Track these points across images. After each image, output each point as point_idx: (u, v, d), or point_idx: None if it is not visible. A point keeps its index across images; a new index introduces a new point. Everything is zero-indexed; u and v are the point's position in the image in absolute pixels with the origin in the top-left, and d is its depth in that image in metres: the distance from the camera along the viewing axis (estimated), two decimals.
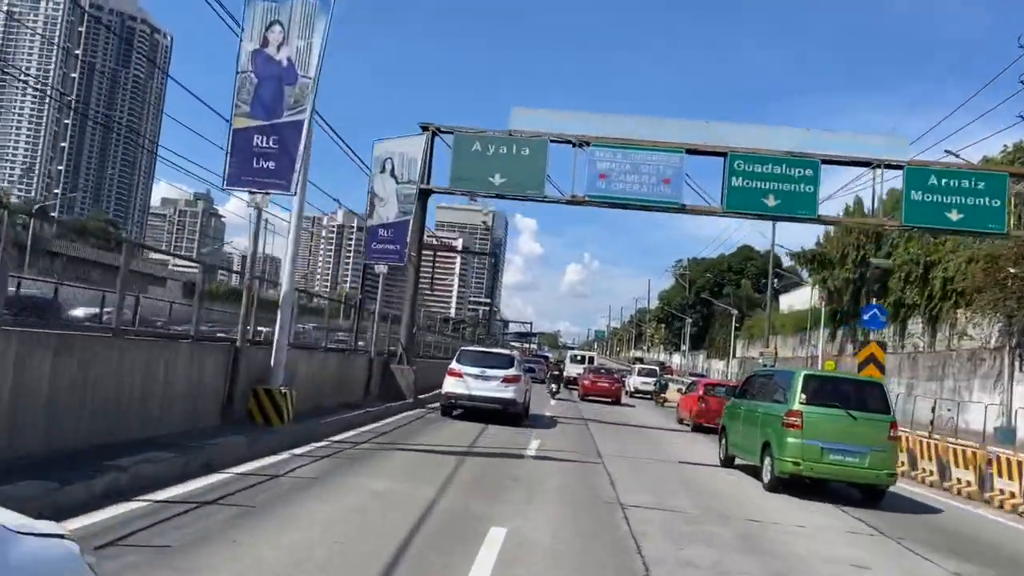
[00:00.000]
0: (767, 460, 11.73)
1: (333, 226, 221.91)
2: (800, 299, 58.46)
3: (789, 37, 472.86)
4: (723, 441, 14.57)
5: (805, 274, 47.82)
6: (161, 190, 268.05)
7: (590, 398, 32.93)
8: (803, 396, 11.38)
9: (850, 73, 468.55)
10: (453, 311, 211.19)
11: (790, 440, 11.14)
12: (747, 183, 19.96)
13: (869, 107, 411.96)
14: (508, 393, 17.64)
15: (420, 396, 21.07)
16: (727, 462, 14.20)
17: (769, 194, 19.91)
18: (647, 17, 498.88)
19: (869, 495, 11.46)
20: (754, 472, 12.72)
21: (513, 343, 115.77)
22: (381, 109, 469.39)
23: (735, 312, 63.77)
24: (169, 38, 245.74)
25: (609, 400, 32.70)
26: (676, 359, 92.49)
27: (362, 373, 18.20)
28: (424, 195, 20.63)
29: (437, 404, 21.56)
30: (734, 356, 66.67)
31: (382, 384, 19.59)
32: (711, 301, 73.35)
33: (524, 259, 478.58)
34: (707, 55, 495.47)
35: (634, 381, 43.35)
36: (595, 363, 48.18)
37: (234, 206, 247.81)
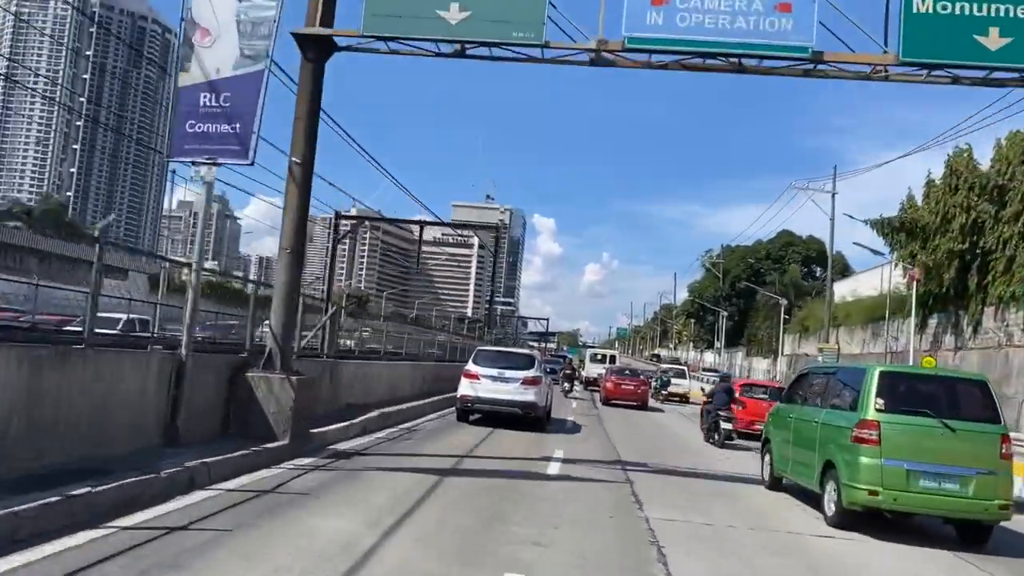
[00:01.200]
0: (830, 486, 8.88)
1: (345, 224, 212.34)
2: (870, 283, 48.07)
3: None
4: (767, 457, 11.45)
5: (886, 249, 37.53)
6: (178, 194, 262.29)
7: (613, 402, 28.74)
8: (879, 401, 8.53)
9: None
10: (470, 310, 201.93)
11: (863, 460, 8.38)
12: (944, 6, 9.92)
13: None
14: (528, 396, 15.91)
15: (323, 429, 11.22)
16: (773, 484, 11.03)
17: (989, 26, 9.83)
18: None
19: (970, 534, 8.64)
20: (804, 495, 9.94)
21: (531, 343, 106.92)
22: None
23: (784, 302, 53.37)
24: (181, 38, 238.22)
25: (634, 404, 28.57)
26: (709, 357, 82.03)
27: (147, 391, 8.28)
28: (319, 50, 10.68)
29: (352, 446, 11.64)
30: (782, 353, 56.28)
31: (229, 411, 9.76)
32: (754, 288, 62.94)
33: (543, 260, 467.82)
34: None
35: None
36: (617, 362, 42.93)
37: (252, 210, 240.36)
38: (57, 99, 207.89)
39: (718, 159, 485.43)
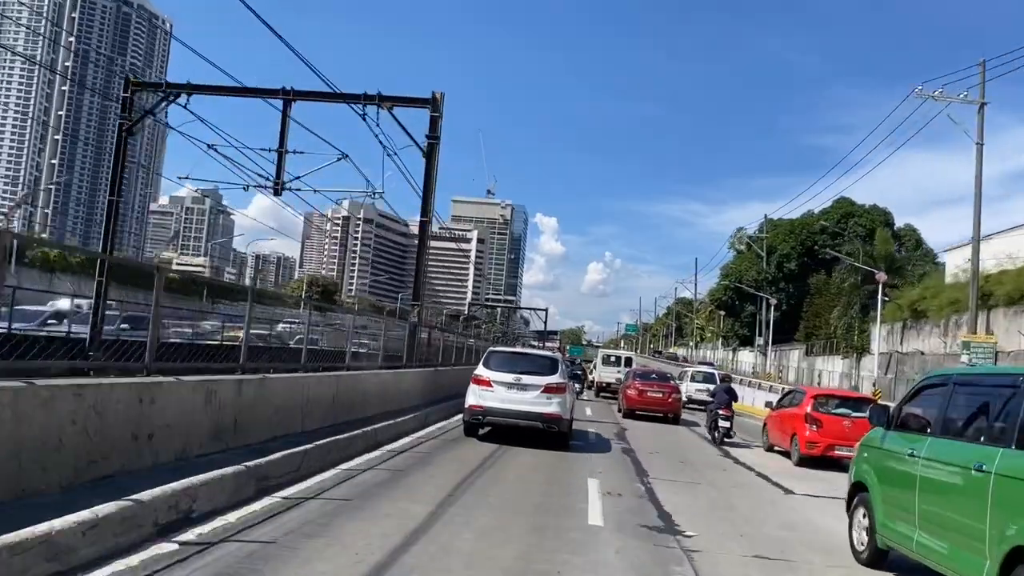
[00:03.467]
0: None
1: (337, 219, 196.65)
2: (1004, 248, 30.62)
3: (813, 27, 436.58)
4: (861, 515, 6.79)
5: None
6: (170, 187, 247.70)
7: (639, 414, 22.57)
8: None
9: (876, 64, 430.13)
10: (468, 308, 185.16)
11: None
12: None
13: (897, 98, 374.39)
14: (551, 407, 13.01)
15: None
16: (872, 558, 6.53)
17: None
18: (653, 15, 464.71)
19: None
20: None
21: (533, 342, 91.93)
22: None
23: (883, 275, 35.84)
24: (169, 24, 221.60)
25: (663, 414, 22.60)
26: (746, 357, 64.49)
27: None
28: None
29: None
30: (876, 351, 38.72)
31: None
32: (836, 256, 45.20)
33: (546, 259, 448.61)
34: (726, 44, 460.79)
35: (688, 388, 31.49)
36: (634, 364, 36.33)
37: (255, 211, 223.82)
38: (35, 82, 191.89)
39: (720, 158, 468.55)
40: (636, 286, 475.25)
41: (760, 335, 58.12)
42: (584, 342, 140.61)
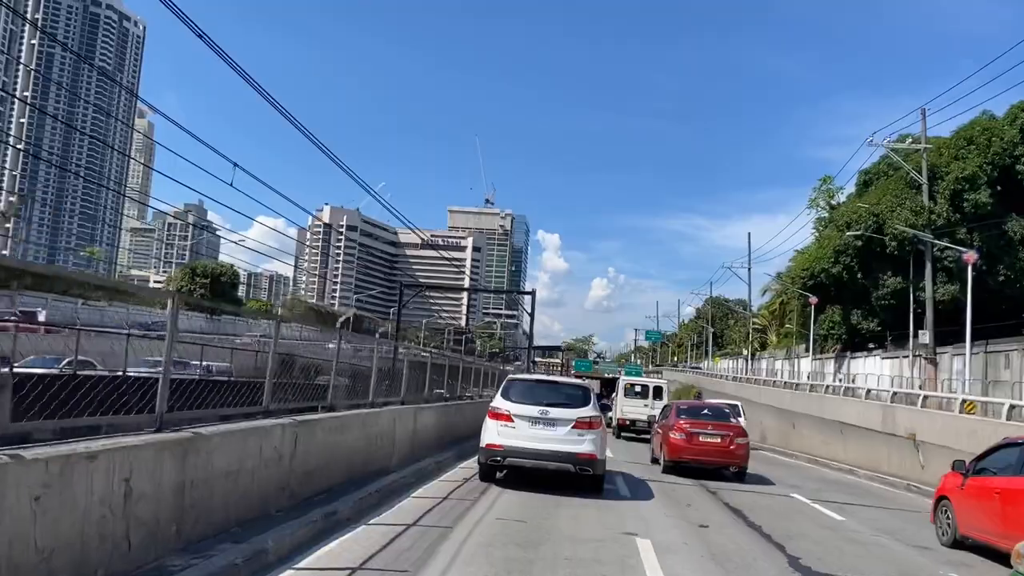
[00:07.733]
0: None
1: (318, 226, 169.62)
2: None
3: (810, 40, 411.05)
4: None
5: None
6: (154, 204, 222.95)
7: (685, 463, 15.99)
8: None
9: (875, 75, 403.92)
10: (464, 321, 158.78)
11: None
12: None
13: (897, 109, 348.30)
14: (584, 446, 10.80)
15: None
16: None
17: None
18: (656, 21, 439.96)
19: None
20: None
21: (536, 358, 67.34)
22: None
23: None
24: (142, 27, 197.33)
25: (719, 464, 15.91)
26: (870, 367, 36.43)
27: None
28: None
29: None
30: None
31: None
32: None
33: (550, 276, 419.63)
34: (727, 58, 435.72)
35: None
36: (665, 395, 29.03)
37: (257, 231, 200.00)
38: None
39: (722, 172, 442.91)
40: (640, 301, 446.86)
41: (924, 328, 30.36)
42: (595, 358, 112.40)
